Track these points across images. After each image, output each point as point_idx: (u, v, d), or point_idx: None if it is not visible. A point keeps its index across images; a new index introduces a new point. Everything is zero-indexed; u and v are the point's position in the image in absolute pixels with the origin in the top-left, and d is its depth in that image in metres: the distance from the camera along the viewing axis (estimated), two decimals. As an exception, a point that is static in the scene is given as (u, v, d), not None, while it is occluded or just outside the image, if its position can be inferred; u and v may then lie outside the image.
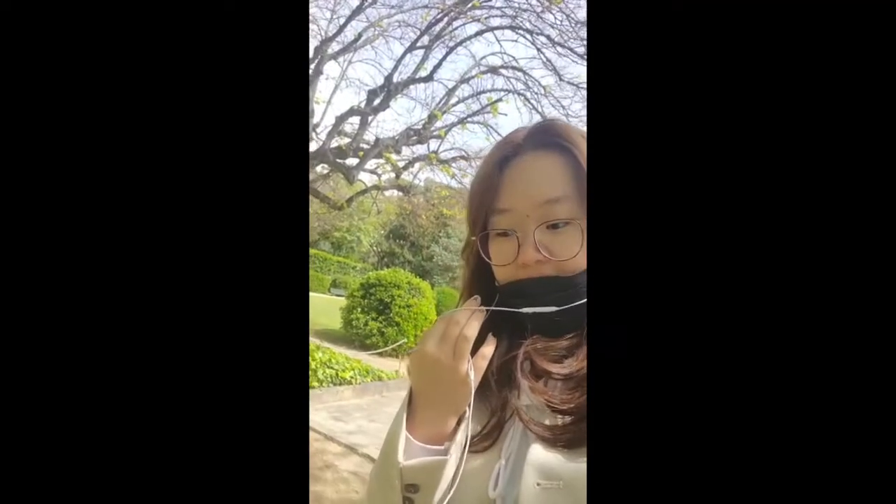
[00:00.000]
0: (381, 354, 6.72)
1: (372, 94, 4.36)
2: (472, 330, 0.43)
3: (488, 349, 0.45)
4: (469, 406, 0.43)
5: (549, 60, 4.54)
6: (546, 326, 0.45)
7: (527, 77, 4.74)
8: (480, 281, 0.50)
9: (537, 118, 4.79)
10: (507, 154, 0.48)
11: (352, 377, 4.85)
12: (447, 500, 0.41)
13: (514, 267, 0.46)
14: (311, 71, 4.28)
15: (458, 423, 0.44)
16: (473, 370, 0.43)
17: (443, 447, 0.43)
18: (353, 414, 3.99)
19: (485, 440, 0.44)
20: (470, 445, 0.43)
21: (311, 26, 4.46)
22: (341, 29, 4.26)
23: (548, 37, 4.31)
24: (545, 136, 0.48)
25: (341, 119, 4.45)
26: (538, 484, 0.39)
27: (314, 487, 2.50)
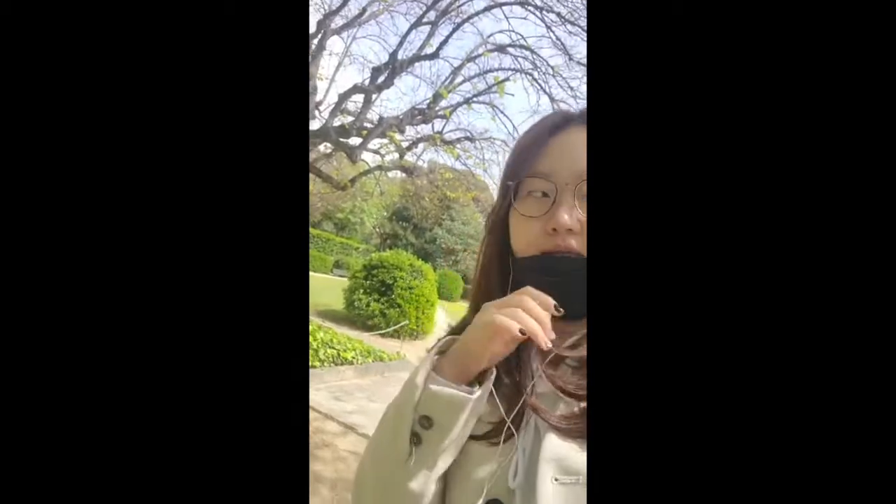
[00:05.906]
0: (382, 335, 6.74)
1: (376, 71, 4.27)
2: (540, 311, 0.39)
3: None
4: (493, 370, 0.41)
5: (558, 39, 4.42)
6: (563, 306, 0.43)
7: (535, 56, 4.63)
8: (500, 253, 0.49)
9: (545, 99, 4.72)
10: (558, 122, 0.48)
11: (353, 357, 4.86)
12: (453, 453, 0.40)
13: (541, 227, 0.43)
14: (313, 46, 4.18)
15: (483, 374, 0.41)
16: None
17: (471, 388, 0.40)
18: (353, 394, 4.00)
19: (498, 434, 0.41)
20: (482, 436, 0.42)
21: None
22: (345, 2, 4.14)
23: (558, 14, 4.17)
24: None
25: (344, 97, 4.37)
26: (556, 479, 0.37)
27: (312, 466, 2.51)
